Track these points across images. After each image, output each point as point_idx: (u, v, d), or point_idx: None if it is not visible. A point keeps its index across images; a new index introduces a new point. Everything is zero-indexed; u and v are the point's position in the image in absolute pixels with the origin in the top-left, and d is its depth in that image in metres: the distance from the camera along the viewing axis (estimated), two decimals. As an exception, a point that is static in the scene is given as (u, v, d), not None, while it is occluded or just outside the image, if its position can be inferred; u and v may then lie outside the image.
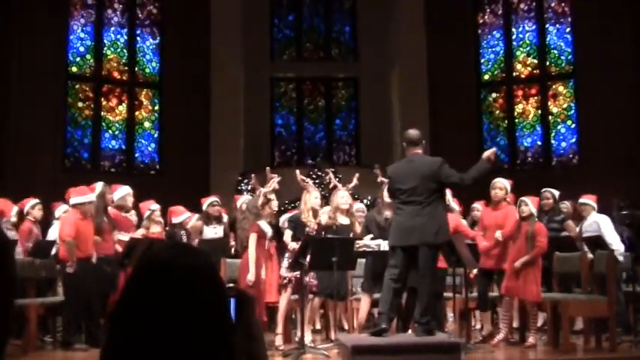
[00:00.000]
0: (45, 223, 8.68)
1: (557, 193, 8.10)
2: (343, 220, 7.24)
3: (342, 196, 7.28)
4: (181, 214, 8.88)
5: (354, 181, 7.67)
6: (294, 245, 6.90)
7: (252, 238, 6.75)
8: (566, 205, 8.38)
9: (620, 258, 7.16)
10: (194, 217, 8.90)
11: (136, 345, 1.08)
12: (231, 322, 1.17)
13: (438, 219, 5.93)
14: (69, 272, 6.98)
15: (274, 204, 7.09)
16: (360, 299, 7.41)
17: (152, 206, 8.44)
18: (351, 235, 7.13)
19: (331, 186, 7.89)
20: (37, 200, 8.38)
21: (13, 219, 8.02)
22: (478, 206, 8.54)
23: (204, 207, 8.80)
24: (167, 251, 1.17)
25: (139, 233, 7.83)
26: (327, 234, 6.97)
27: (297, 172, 7.94)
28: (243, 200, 8.22)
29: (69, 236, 6.94)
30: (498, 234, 7.00)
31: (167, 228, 8.68)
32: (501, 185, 7.23)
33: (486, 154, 6.19)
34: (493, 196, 7.29)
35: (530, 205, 6.78)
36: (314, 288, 7.00)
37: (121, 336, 1.10)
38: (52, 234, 8.16)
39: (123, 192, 7.82)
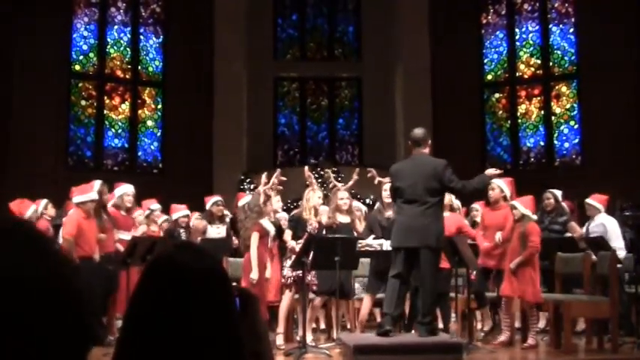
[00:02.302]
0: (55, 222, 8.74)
1: (559, 193, 8.09)
2: (343, 218, 7.25)
3: (341, 197, 7.28)
4: (178, 211, 8.95)
5: (354, 176, 7.64)
6: (293, 244, 6.91)
7: (254, 237, 6.76)
8: (567, 206, 8.36)
9: (622, 256, 7.15)
10: (194, 215, 8.93)
11: (148, 345, 1.09)
12: (239, 323, 1.18)
13: (439, 222, 5.96)
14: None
15: (276, 201, 7.10)
16: (361, 299, 7.43)
17: (152, 206, 8.48)
18: (354, 233, 7.15)
19: (331, 186, 7.87)
20: (46, 200, 8.53)
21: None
22: (477, 207, 8.53)
23: (207, 206, 8.83)
24: (177, 252, 1.18)
25: (140, 231, 7.86)
26: (327, 233, 6.98)
27: (306, 168, 7.95)
28: (245, 199, 8.24)
29: (70, 235, 6.96)
30: (498, 236, 7.01)
31: (164, 224, 8.70)
32: (494, 185, 7.24)
33: (491, 172, 6.21)
34: (489, 197, 7.31)
35: (520, 207, 6.78)
36: (314, 287, 7.00)
37: (135, 335, 1.11)
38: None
39: (121, 191, 7.85)
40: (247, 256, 6.86)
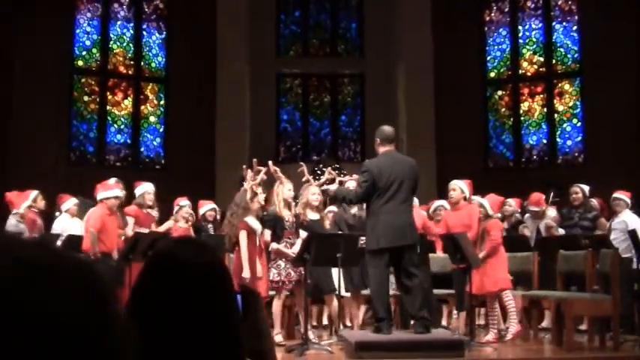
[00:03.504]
0: (48, 215, 8.74)
1: (587, 188, 8.02)
2: (313, 215, 7.11)
3: (312, 192, 7.12)
4: (204, 206, 9.08)
5: (326, 174, 7.51)
6: (275, 246, 6.79)
7: (243, 236, 6.71)
8: (595, 203, 8.24)
9: (626, 255, 7.13)
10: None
11: (148, 338, 1.09)
12: (240, 318, 1.18)
13: (414, 218, 6.14)
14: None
15: (287, 190, 7.00)
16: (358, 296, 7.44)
17: (182, 202, 8.53)
18: (322, 230, 7.03)
19: (304, 179, 7.58)
20: (37, 192, 8.46)
21: (22, 211, 8.11)
22: (445, 204, 8.37)
23: (201, 211, 9.01)
24: (177, 247, 1.18)
25: (165, 227, 7.96)
26: (297, 229, 6.89)
27: (270, 162, 7.42)
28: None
29: (95, 228, 7.04)
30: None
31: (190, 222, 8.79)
32: (455, 187, 7.30)
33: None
34: (450, 197, 7.39)
35: (486, 206, 7.00)
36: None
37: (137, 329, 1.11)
38: (58, 227, 8.24)
39: (142, 189, 7.96)
40: (237, 254, 6.81)
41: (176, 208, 8.45)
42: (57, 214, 8.52)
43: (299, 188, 7.40)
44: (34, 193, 8.42)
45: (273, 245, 6.83)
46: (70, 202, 8.39)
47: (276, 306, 6.83)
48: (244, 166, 7.39)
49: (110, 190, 7.31)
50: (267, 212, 7.27)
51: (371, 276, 6.00)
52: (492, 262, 6.79)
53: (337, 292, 6.85)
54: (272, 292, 6.98)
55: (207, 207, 9.22)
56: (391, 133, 6.25)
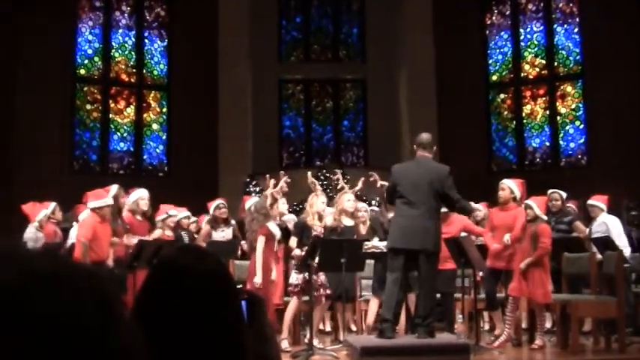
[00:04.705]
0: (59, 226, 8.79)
1: (564, 194, 8.09)
2: (347, 222, 7.25)
3: (348, 199, 7.28)
4: (179, 213, 9.01)
5: (359, 184, 7.70)
6: (298, 252, 6.89)
7: (261, 241, 6.75)
8: (572, 207, 8.34)
9: (627, 253, 7.13)
10: (204, 219, 8.99)
11: (152, 346, 1.09)
12: (244, 325, 1.18)
13: (439, 226, 6.06)
14: None
15: (282, 204, 7.10)
16: (368, 300, 7.42)
17: (170, 211, 8.52)
18: (354, 236, 7.14)
19: (339, 187, 7.88)
20: (55, 203, 8.60)
21: (36, 223, 8.18)
22: (480, 207, 8.46)
23: (211, 211, 8.86)
24: (181, 255, 1.18)
25: (156, 235, 7.90)
26: (332, 235, 6.97)
27: (309, 173, 7.99)
28: (251, 202, 8.26)
29: (85, 238, 7.00)
30: (507, 237, 6.98)
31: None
32: (504, 186, 7.24)
33: (477, 206, 6.71)
34: (499, 197, 7.31)
35: (535, 208, 6.78)
36: (327, 291, 6.93)
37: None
38: (72, 237, 8.26)
39: (136, 195, 7.88)
40: (253, 259, 6.86)
41: (163, 216, 8.45)
42: (74, 224, 8.51)
43: (308, 193, 7.47)
44: (52, 204, 8.54)
45: (296, 251, 6.94)
46: (86, 212, 8.36)
47: (289, 312, 6.86)
48: (267, 176, 7.49)
49: (101, 198, 7.25)
50: (297, 221, 7.42)
51: (387, 277, 6.03)
52: (540, 271, 6.57)
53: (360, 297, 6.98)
54: (286, 299, 7.04)
55: (181, 214, 9.09)
56: (425, 140, 6.31)
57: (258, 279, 6.64)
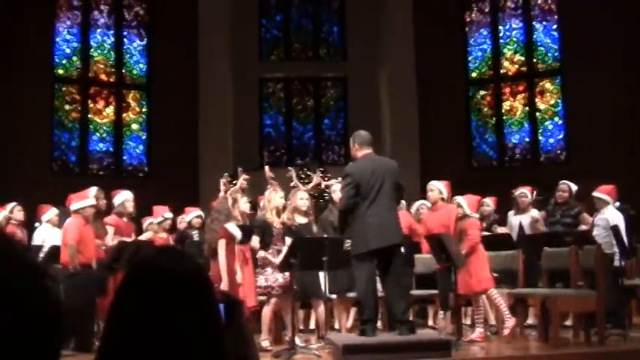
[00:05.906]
0: (27, 226, 8.67)
1: (574, 186, 8.06)
2: (301, 219, 7.12)
3: (301, 197, 7.15)
4: (190, 213, 9.13)
5: (315, 179, 7.64)
6: (262, 254, 6.78)
7: (222, 244, 6.53)
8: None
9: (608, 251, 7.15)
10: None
11: (130, 349, 1.09)
12: (223, 326, 1.18)
13: (399, 218, 6.17)
14: (69, 277, 6.92)
15: (243, 203, 6.98)
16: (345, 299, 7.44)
17: (166, 214, 8.53)
18: (309, 235, 7.06)
19: (292, 184, 7.72)
20: (14, 203, 8.40)
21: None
22: (427, 204, 8.33)
23: (187, 218, 9.03)
24: (158, 256, 1.18)
25: (145, 237, 7.88)
26: (285, 234, 6.88)
27: (267, 168, 7.74)
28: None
29: (73, 240, 6.94)
30: None
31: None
32: (432, 187, 7.37)
33: None
34: (428, 198, 7.51)
35: (464, 206, 7.05)
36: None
37: (116, 340, 1.11)
38: (38, 238, 8.16)
39: (121, 198, 7.85)
40: (216, 263, 6.64)
41: (159, 219, 8.44)
42: (37, 224, 8.42)
43: (285, 192, 7.41)
44: (11, 204, 8.34)
45: (260, 253, 6.82)
46: (51, 213, 8.28)
47: (266, 312, 6.80)
48: (225, 174, 7.40)
49: (84, 199, 7.19)
50: (255, 218, 7.25)
51: (358, 278, 5.98)
52: (474, 262, 6.83)
53: (324, 296, 6.85)
54: (262, 298, 6.96)
55: (193, 214, 9.21)
56: (369, 137, 6.30)
57: (224, 285, 6.39)
